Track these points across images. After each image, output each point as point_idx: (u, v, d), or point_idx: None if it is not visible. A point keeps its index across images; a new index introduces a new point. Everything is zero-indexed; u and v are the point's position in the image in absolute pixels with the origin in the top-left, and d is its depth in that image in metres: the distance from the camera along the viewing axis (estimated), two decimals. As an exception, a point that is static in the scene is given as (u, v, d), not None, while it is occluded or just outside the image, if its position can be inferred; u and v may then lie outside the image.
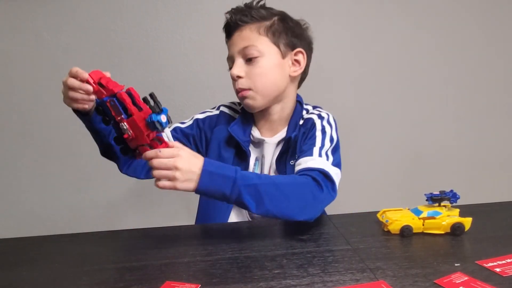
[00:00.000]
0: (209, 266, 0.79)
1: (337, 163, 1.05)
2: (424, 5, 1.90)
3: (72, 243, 0.96)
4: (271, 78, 1.10)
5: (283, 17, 1.11)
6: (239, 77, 1.09)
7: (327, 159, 1.03)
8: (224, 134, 1.18)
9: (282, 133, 1.16)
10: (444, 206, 0.93)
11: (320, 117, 1.14)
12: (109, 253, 0.89)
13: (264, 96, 1.11)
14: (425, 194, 0.94)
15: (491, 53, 1.97)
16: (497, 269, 0.71)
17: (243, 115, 1.19)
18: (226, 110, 1.24)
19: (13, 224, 1.84)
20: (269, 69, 1.09)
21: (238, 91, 1.11)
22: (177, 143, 0.89)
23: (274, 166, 1.14)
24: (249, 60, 1.08)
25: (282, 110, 1.16)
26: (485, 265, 0.73)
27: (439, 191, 0.94)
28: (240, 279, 0.73)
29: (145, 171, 1.14)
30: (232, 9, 1.12)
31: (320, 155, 1.03)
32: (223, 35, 1.78)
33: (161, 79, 1.81)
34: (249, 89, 1.09)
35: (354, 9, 1.87)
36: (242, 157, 1.15)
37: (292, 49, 1.11)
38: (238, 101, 1.23)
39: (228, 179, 0.87)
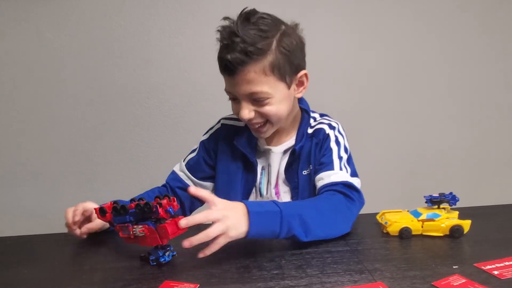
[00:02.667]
0: (208, 266, 0.79)
1: (353, 172, 1.08)
2: (427, 6, 1.90)
3: (73, 242, 0.97)
4: (282, 111, 1.05)
5: (280, 38, 1.00)
6: (250, 119, 1.04)
7: (347, 171, 1.06)
8: (230, 147, 1.17)
9: (289, 142, 1.15)
10: (443, 208, 0.93)
11: (331, 127, 1.13)
12: (109, 252, 0.89)
13: (278, 125, 1.10)
14: (424, 196, 0.94)
15: (493, 54, 1.97)
16: (495, 272, 0.71)
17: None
18: (227, 122, 1.22)
19: (14, 222, 1.84)
20: (278, 105, 1.04)
21: (251, 125, 1.08)
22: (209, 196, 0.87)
23: (282, 175, 1.13)
24: (257, 102, 1.02)
25: (287, 121, 1.14)
26: (483, 267, 0.73)
27: (439, 194, 0.94)
28: (239, 279, 0.73)
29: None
30: (224, 39, 0.99)
31: (341, 168, 1.06)
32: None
33: (163, 79, 1.82)
34: (264, 124, 1.07)
35: (355, 9, 1.87)
36: (249, 168, 1.15)
37: (296, 74, 1.06)
38: None
39: (275, 214, 0.85)
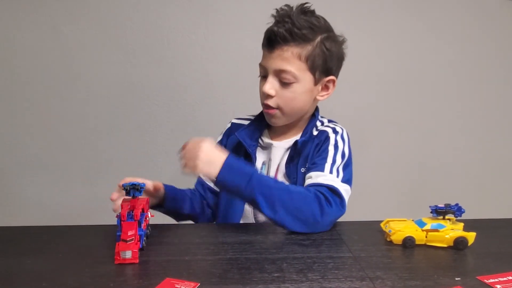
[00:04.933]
0: (210, 265, 0.80)
1: (347, 179, 1.08)
2: (436, 12, 1.89)
3: (77, 235, 0.98)
4: (300, 103, 1.12)
5: (326, 38, 1.09)
6: (269, 95, 1.10)
7: (337, 175, 1.07)
8: (234, 140, 1.21)
9: (293, 139, 1.18)
10: (449, 219, 0.93)
11: (335, 131, 1.16)
12: (112, 246, 0.90)
13: (290, 117, 1.15)
14: (430, 207, 0.94)
15: (502, 63, 1.95)
16: (498, 286, 0.71)
17: (256, 121, 1.22)
18: (237, 121, 1.28)
19: (21, 213, 1.86)
20: (300, 94, 1.10)
21: (265, 106, 1.13)
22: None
23: (283, 170, 1.16)
24: (282, 82, 1.09)
25: (300, 122, 1.20)
26: (485, 281, 0.73)
27: (444, 204, 0.93)
28: (239, 280, 0.73)
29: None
30: (277, 16, 1.09)
31: (331, 171, 1.07)
32: (236, 37, 1.81)
33: (174, 78, 1.83)
34: (277, 109, 1.12)
35: (358, 16, 1.87)
36: (248, 161, 1.18)
37: (326, 76, 1.13)
38: (250, 115, 1.28)
39: (245, 175, 0.95)
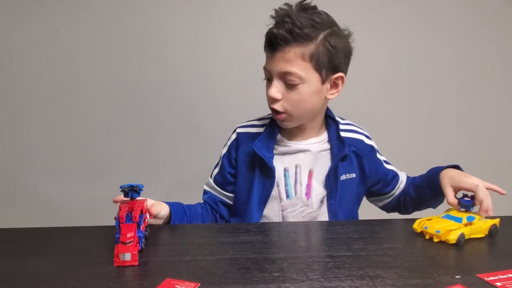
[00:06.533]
0: (210, 265, 0.80)
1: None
2: (435, 11, 1.88)
3: (78, 236, 0.98)
4: (308, 105, 1.09)
5: (330, 34, 1.05)
6: (275, 99, 1.07)
7: (392, 165, 1.26)
8: (247, 152, 1.17)
9: (319, 141, 1.17)
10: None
11: (367, 137, 1.22)
12: (113, 247, 0.90)
13: (300, 120, 1.12)
14: (461, 200, 0.97)
15: (507, 63, 1.95)
16: (498, 283, 0.71)
17: (269, 129, 1.17)
18: (243, 130, 1.21)
19: (21, 215, 1.87)
20: (307, 95, 1.06)
21: (272, 110, 1.10)
22: None
23: (317, 176, 1.15)
24: (288, 84, 1.05)
25: (314, 123, 1.16)
26: (486, 278, 0.73)
27: (470, 196, 0.96)
28: (240, 280, 0.73)
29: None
30: (276, 17, 1.05)
31: (396, 169, 1.26)
32: (236, 37, 1.80)
33: (174, 78, 1.82)
34: (284, 113, 1.08)
35: (358, 15, 1.86)
36: (267, 174, 1.14)
37: (334, 73, 1.08)
38: (254, 120, 1.24)
39: None
